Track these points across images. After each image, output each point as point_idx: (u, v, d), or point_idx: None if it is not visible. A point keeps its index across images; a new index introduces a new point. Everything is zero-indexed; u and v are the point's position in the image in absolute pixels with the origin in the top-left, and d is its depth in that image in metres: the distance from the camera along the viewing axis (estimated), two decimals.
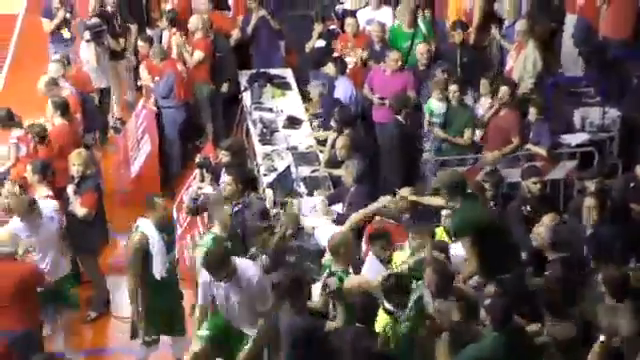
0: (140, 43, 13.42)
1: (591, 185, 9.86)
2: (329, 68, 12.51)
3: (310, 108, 12.44)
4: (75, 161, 10.17)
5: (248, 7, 13.81)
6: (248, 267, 8.40)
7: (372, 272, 8.63)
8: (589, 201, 9.26)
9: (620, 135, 11.62)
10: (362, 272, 8.73)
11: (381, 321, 7.87)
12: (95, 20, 13.70)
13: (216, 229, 9.11)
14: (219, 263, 8.19)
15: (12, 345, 8.36)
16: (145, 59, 13.12)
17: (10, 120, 11.27)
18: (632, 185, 10.01)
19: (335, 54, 12.98)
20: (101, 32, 13.64)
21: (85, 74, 13.17)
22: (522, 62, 11.99)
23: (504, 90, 11.46)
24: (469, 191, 8.81)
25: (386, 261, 8.70)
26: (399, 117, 11.33)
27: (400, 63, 12.23)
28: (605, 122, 11.71)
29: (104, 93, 13.69)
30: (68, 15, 13.98)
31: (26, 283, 8.60)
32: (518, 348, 7.33)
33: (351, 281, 8.22)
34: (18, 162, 10.94)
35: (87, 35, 13.51)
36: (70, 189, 10.09)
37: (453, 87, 11.59)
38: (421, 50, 12.51)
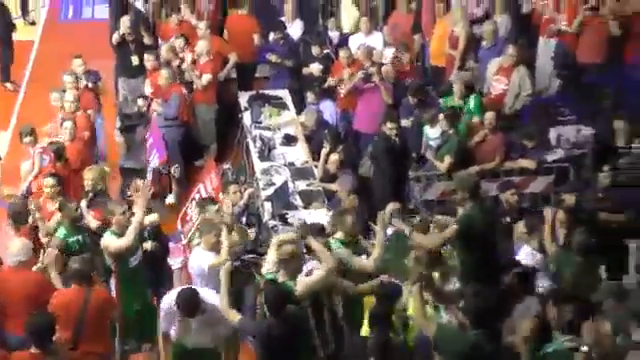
0: (148, 57, 13.40)
1: (569, 199, 10.32)
2: (310, 96, 13.12)
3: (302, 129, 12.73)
4: (88, 176, 10.61)
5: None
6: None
7: None
8: (560, 214, 9.78)
9: (593, 151, 11.91)
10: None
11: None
12: (134, 112, 13.56)
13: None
14: None
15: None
16: (152, 74, 13.29)
17: (33, 135, 11.78)
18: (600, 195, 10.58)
19: (330, 81, 13.36)
20: (133, 127, 13.39)
21: (91, 95, 13.07)
22: (517, 83, 12.50)
23: (491, 115, 11.91)
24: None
25: None
26: (385, 130, 11.75)
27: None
28: (579, 139, 12.14)
29: None
30: None
31: (33, 292, 8.49)
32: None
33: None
34: (40, 173, 11.29)
35: (119, 124, 13.59)
36: (83, 203, 10.30)
37: (440, 116, 12.05)
38: (388, 69, 13.07)
